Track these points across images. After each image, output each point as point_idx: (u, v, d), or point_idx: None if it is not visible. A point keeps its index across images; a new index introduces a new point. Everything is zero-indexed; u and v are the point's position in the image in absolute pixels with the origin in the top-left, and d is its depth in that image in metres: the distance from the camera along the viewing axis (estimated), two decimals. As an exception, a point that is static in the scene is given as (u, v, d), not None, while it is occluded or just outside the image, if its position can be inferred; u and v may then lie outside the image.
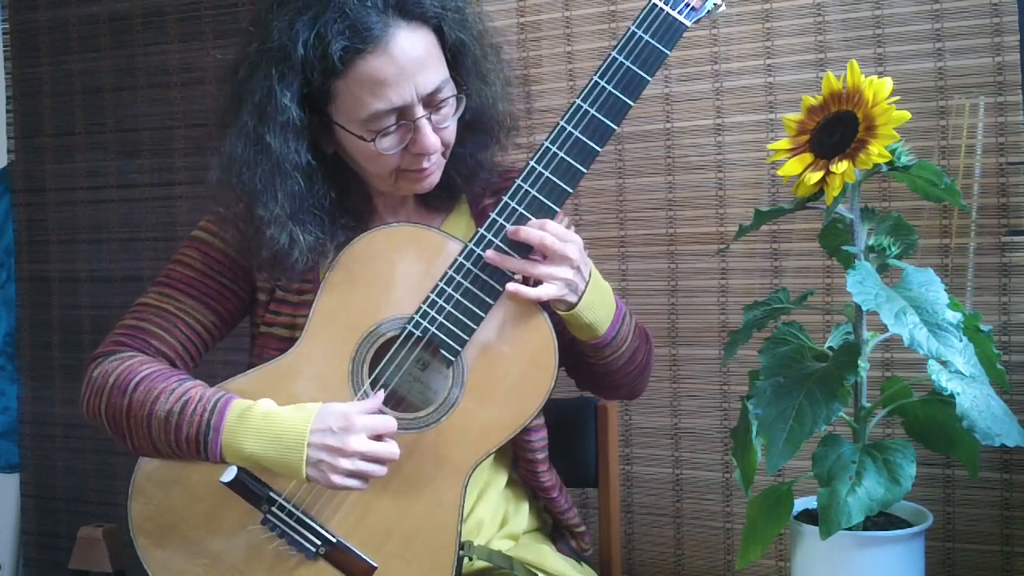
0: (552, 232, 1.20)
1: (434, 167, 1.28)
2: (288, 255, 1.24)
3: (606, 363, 1.32)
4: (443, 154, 1.29)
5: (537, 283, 1.21)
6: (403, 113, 1.22)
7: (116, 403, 1.23)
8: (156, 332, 1.30)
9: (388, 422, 1.19)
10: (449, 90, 1.25)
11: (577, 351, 1.32)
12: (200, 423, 1.18)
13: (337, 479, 1.16)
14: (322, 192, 1.27)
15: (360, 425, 1.16)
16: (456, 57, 1.28)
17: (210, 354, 1.37)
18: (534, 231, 1.20)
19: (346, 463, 1.15)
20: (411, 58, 1.20)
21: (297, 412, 1.17)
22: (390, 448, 1.18)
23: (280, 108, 1.20)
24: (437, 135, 1.24)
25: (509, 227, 1.21)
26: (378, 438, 1.18)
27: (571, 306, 1.23)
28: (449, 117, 1.26)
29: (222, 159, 1.25)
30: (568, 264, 1.21)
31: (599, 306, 1.26)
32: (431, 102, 1.23)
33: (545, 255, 1.21)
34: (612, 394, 1.43)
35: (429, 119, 1.23)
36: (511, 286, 1.20)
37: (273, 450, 1.16)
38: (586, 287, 1.23)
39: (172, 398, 1.20)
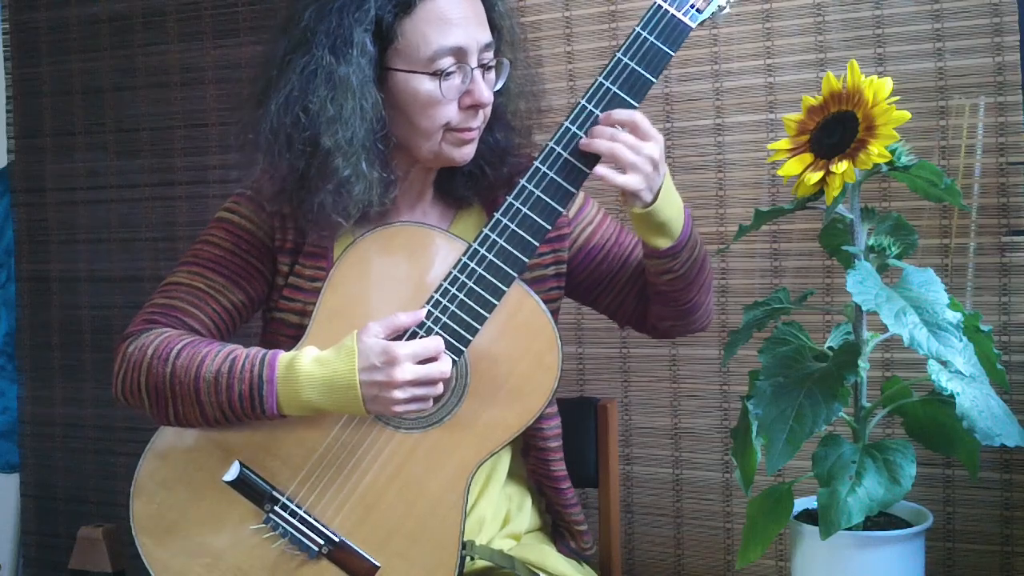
0: (637, 122, 1.20)
1: (476, 132, 1.29)
2: (352, 185, 1.24)
3: (683, 273, 1.30)
4: (483, 123, 1.30)
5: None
6: (461, 56, 1.24)
7: (158, 372, 1.22)
8: (188, 309, 1.30)
9: (431, 343, 1.18)
10: (494, 56, 1.28)
11: (650, 281, 1.32)
12: (252, 378, 1.19)
13: (398, 408, 1.17)
14: (382, 136, 1.26)
15: (402, 355, 1.16)
16: (497, 34, 1.31)
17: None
18: (604, 142, 1.19)
19: (399, 393, 1.16)
20: (472, 11, 1.25)
21: (338, 355, 1.18)
22: (439, 367, 1.18)
23: (355, 43, 1.21)
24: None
25: (582, 139, 1.21)
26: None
27: (647, 205, 1.22)
28: (494, 82, 1.29)
29: (279, 100, 1.24)
30: (649, 161, 1.19)
31: (673, 205, 1.25)
32: (482, 60, 1.26)
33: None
34: (689, 319, 1.39)
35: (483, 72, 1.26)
36: (599, 169, 1.20)
37: (329, 394, 1.17)
38: (661, 186, 1.23)
39: (219, 358, 1.21)
